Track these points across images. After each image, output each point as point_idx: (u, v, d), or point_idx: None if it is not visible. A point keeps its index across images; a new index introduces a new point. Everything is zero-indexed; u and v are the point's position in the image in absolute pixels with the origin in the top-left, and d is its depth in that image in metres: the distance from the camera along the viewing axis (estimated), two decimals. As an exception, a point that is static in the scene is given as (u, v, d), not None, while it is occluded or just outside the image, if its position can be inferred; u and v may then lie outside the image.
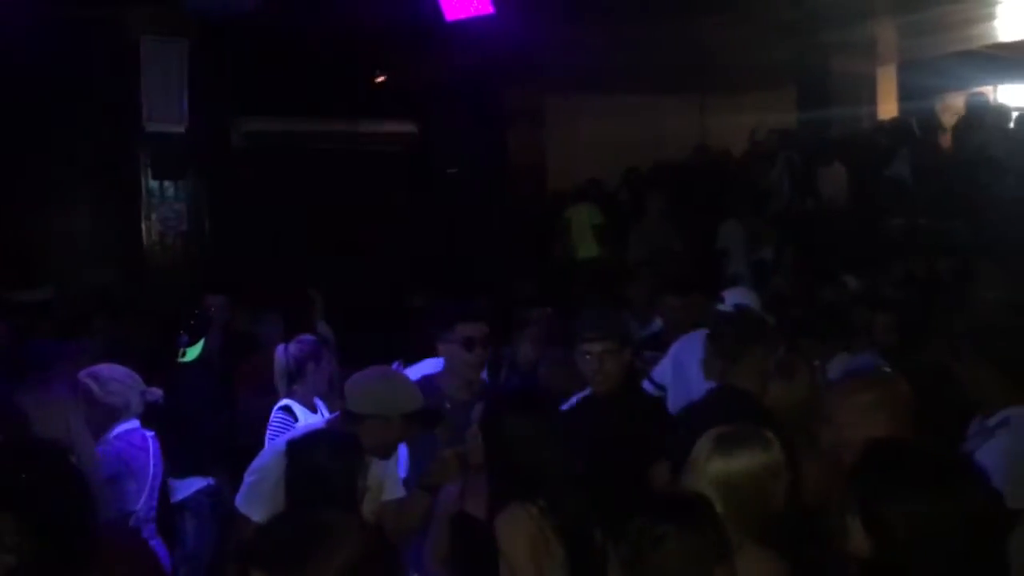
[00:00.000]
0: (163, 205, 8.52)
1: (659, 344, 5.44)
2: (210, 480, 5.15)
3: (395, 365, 5.75)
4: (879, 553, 2.05)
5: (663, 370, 4.86)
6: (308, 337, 4.97)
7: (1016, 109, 9.77)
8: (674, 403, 4.47)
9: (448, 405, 3.76)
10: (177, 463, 4.67)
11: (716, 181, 9.86)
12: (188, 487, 5.10)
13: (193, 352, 5.09)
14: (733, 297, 5.00)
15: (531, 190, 11.35)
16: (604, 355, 3.67)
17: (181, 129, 8.40)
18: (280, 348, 4.81)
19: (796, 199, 9.27)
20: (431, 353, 4.19)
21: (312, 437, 3.13)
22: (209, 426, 5.25)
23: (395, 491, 3.41)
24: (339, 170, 10.80)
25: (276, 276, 8.54)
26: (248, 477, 3.30)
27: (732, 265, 8.16)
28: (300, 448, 3.05)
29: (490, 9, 7.22)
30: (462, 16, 7.34)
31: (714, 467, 2.49)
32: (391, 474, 3.43)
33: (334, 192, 10.78)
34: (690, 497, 2.40)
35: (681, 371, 4.72)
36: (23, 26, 8.05)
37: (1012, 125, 9.09)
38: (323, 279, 8.26)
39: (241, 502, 3.26)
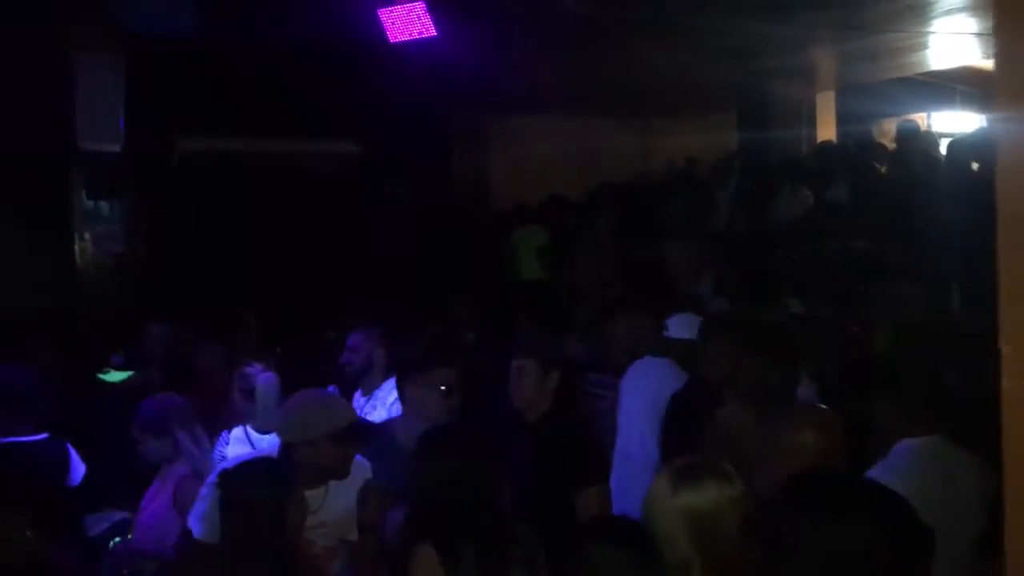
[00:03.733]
0: (98, 225, 8.31)
1: (604, 366, 5.43)
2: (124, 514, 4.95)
3: (330, 389, 5.70)
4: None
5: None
6: (259, 368, 4.86)
7: (946, 135, 10.02)
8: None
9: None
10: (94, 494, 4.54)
11: (658, 203, 9.93)
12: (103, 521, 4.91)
13: (117, 376, 4.96)
14: (677, 325, 5.00)
15: (475, 211, 11.33)
16: (521, 372, 3.72)
17: (117, 148, 8.21)
18: (264, 377, 4.72)
19: (738, 221, 9.38)
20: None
21: (240, 467, 3.06)
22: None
23: (353, 534, 3.35)
24: (279, 191, 10.65)
25: (214, 298, 8.37)
26: (200, 492, 3.38)
27: (676, 287, 8.19)
28: (228, 478, 2.98)
29: (433, 32, 7.19)
30: (405, 38, 7.29)
31: (683, 499, 2.45)
32: (351, 515, 3.35)
33: (274, 213, 10.62)
34: (623, 518, 2.37)
35: (624, 401, 4.73)
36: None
37: (942, 151, 9.31)
38: (260, 302, 8.13)
39: (191, 516, 3.36)
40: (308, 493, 2.99)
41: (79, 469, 4.34)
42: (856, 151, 9.68)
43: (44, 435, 4.04)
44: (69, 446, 4.13)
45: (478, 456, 2.87)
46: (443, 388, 3.73)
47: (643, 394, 4.46)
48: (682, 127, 11.72)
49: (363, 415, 4.53)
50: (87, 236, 8.35)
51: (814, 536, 1.90)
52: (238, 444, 4.52)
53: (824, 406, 3.17)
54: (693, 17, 8.58)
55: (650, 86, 10.61)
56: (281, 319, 8.03)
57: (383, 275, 10.41)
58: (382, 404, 4.65)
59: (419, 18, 7.22)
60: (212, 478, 3.27)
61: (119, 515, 4.88)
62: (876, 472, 2.90)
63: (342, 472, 3.29)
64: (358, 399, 4.91)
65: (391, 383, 4.42)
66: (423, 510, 2.73)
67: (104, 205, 8.47)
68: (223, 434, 4.64)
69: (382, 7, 7.59)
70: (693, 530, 2.39)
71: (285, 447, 3.16)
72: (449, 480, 2.71)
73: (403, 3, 7.45)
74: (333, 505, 3.22)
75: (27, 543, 2.84)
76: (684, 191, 10.19)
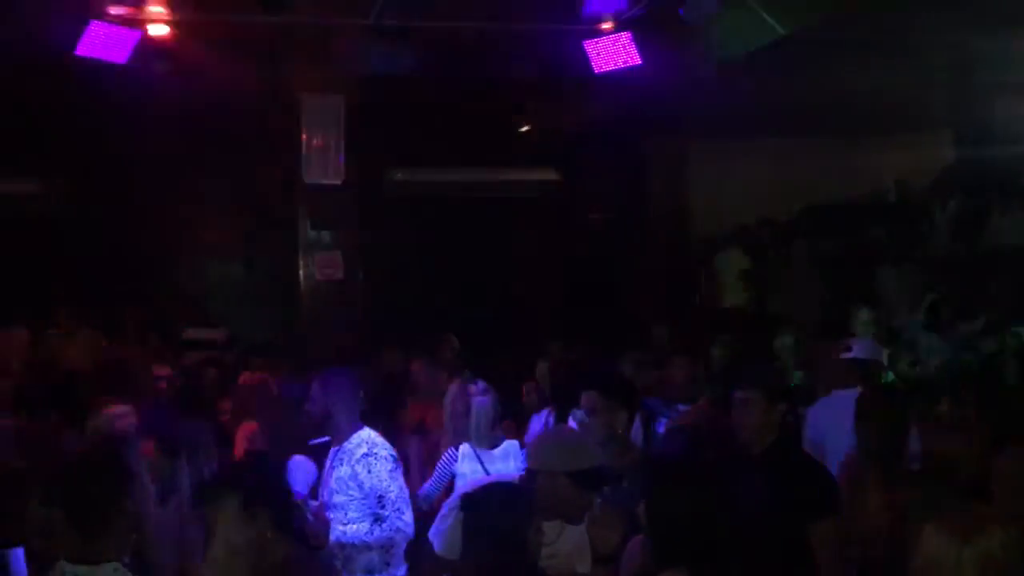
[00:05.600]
0: (320, 254, 8.88)
1: (802, 398, 5.35)
2: None
3: (544, 414, 5.86)
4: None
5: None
6: (479, 387, 5.09)
7: None
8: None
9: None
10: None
11: (869, 225, 9.57)
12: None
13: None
14: (860, 348, 4.87)
15: (674, 236, 11.29)
16: (746, 404, 3.70)
17: (338, 181, 8.77)
18: (480, 399, 4.94)
19: (959, 245, 8.89)
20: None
21: (484, 490, 3.20)
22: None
23: (584, 567, 3.40)
24: (483, 217, 11.06)
25: (423, 322, 8.78)
26: (441, 511, 3.49)
27: (890, 316, 7.87)
28: (473, 501, 3.13)
29: (638, 61, 7.28)
30: (611, 68, 7.42)
31: (977, 548, 2.41)
32: (583, 549, 3.41)
33: (478, 239, 11.03)
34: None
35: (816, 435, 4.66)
36: (193, 86, 8.64)
37: None
38: (466, 326, 8.46)
39: (432, 533, 3.46)
40: (544, 524, 3.09)
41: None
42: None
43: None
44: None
45: (717, 485, 2.90)
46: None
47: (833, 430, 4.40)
48: (893, 146, 11.24)
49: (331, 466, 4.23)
50: (311, 265, 8.94)
51: None
52: (468, 460, 4.77)
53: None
54: (906, 34, 8.29)
55: (858, 104, 10.26)
56: (480, 342, 8.33)
57: (582, 300, 10.57)
58: (348, 458, 4.18)
59: (624, 48, 7.33)
60: (455, 498, 3.45)
61: None
62: None
63: (576, 515, 3.34)
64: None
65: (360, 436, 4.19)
66: (668, 538, 2.78)
67: (325, 234, 9.05)
68: (450, 450, 4.91)
69: (587, 39, 7.74)
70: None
71: (529, 474, 3.30)
72: (692, 510, 2.76)
73: (608, 34, 7.58)
74: (568, 537, 3.30)
75: (273, 542, 2.94)
76: (897, 213, 9.79)
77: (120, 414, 4.32)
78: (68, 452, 4.48)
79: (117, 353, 8.23)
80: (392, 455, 4.22)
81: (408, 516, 4.14)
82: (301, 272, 8.96)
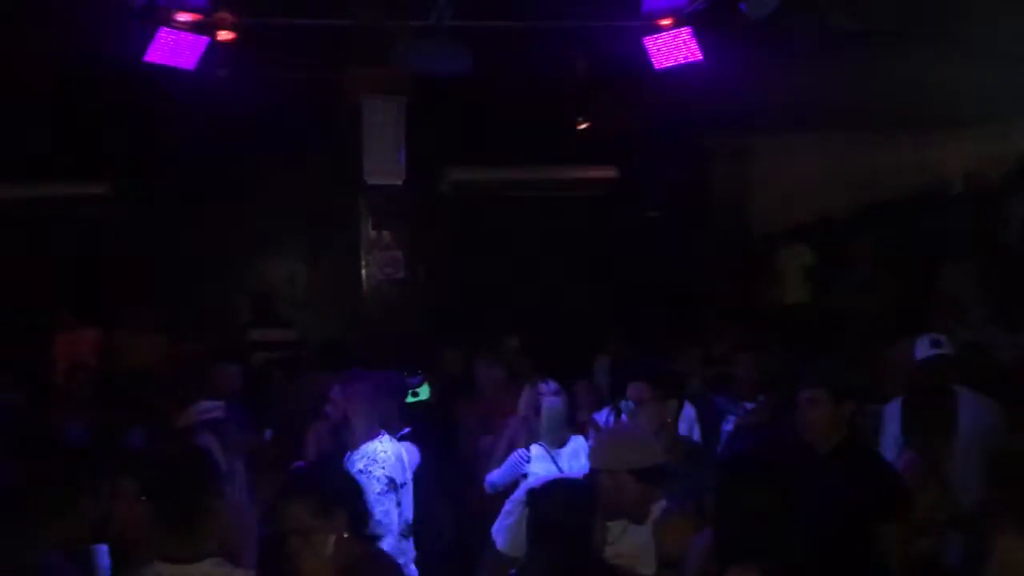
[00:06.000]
0: (382, 254, 8.95)
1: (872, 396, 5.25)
2: None
3: (604, 413, 5.85)
4: None
5: None
6: (550, 387, 5.10)
7: None
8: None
9: None
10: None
11: (939, 219, 9.35)
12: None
13: (424, 392, 5.38)
14: (921, 346, 4.79)
15: (736, 232, 11.16)
16: (813, 403, 3.65)
17: (398, 181, 8.84)
18: (553, 396, 4.96)
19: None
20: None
21: (548, 488, 3.21)
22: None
23: (648, 568, 3.38)
24: (541, 216, 11.06)
25: (482, 322, 8.81)
26: (504, 508, 3.53)
27: (962, 312, 7.67)
28: (537, 498, 3.15)
29: (699, 57, 7.20)
30: (671, 64, 7.36)
31: None
32: (647, 550, 3.39)
33: (536, 238, 11.04)
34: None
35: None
36: (255, 89, 8.79)
37: None
38: (524, 325, 8.47)
39: (495, 529, 3.50)
40: (608, 524, 3.09)
41: None
42: None
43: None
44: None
45: (787, 484, 2.87)
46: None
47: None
48: (962, 138, 10.97)
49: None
50: (372, 265, 9.02)
51: None
52: (541, 461, 4.79)
53: None
54: (975, 24, 8.09)
55: (925, 96, 10.04)
56: (539, 341, 8.33)
57: (641, 298, 10.51)
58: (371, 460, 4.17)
59: (685, 44, 7.26)
60: (519, 495, 3.46)
61: None
62: None
63: (640, 513, 3.33)
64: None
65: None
66: (738, 536, 2.76)
67: (386, 234, 9.12)
68: (521, 451, 4.93)
69: (646, 35, 7.69)
70: None
71: (592, 472, 3.30)
72: (762, 508, 2.73)
73: (668, 30, 7.52)
74: (632, 537, 3.29)
75: (350, 542, 2.96)
76: (965, 206, 9.55)
77: (209, 408, 4.41)
78: (151, 450, 4.57)
79: (185, 352, 8.43)
80: (388, 477, 4.12)
81: (389, 543, 4.00)
82: (363, 272, 9.04)
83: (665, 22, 7.52)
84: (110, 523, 3.43)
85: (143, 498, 3.17)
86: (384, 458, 4.18)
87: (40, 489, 3.19)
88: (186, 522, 2.89)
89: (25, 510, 3.13)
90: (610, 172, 11.44)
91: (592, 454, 3.38)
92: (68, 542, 3.16)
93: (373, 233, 9.10)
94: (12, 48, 7.97)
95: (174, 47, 6.76)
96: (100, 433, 5.63)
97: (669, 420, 4.00)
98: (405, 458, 4.33)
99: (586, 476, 3.38)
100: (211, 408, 4.37)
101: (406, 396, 5.45)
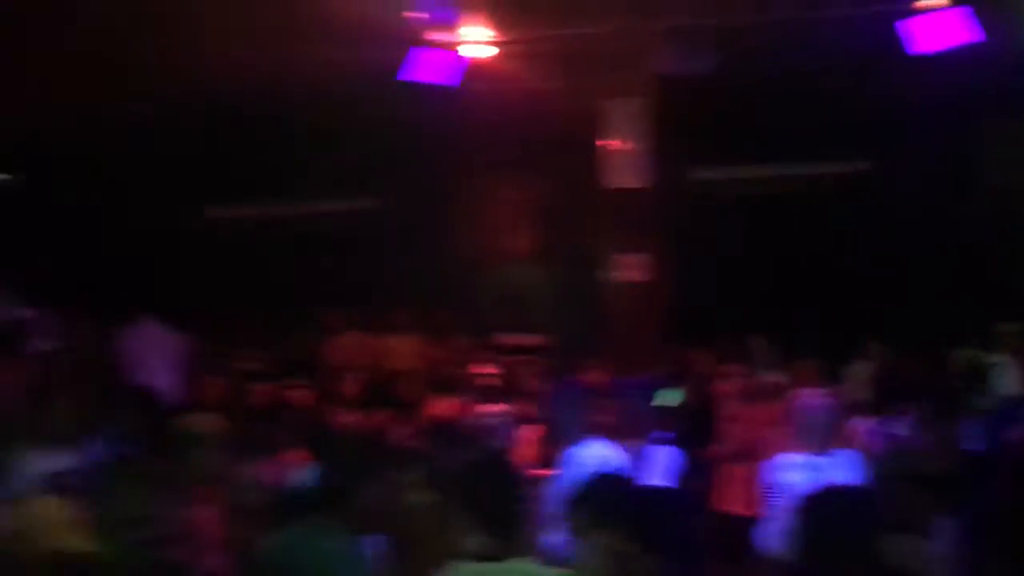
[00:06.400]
0: (625, 256, 8.97)
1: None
2: None
3: (869, 422, 5.55)
4: None
5: None
6: (817, 392, 4.94)
7: None
8: None
9: None
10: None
11: None
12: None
13: (674, 396, 5.36)
14: None
15: (1012, 223, 10.24)
16: None
17: (642, 184, 8.84)
18: (813, 403, 4.84)
19: None
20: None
21: (824, 495, 3.09)
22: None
23: None
24: (791, 214, 10.67)
25: (730, 323, 8.61)
26: (770, 514, 3.42)
27: None
28: (816, 504, 3.04)
29: (972, 38, 6.67)
30: (934, 48, 6.89)
31: None
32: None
33: (785, 237, 10.66)
34: None
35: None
36: (503, 99, 9.07)
37: None
38: (775, 326, 8.19)
39: (761, 535, 3.50)
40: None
41: None
42: None
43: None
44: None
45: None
46: None
47: None
48: None
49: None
50: (616, 267, 9.05)
51: None
52: (802, 469, 4.59)
53: None
54: None
55: None
56: (791, 343, 8.03)
57: (899, 297, 9.92)
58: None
59: (952, 25, 6.77)
60: (789, 502, 3.36)
61: None
62: None
63: (921, 523, 3.15)
64: None
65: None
66: None
67: (631, 237, 9.11)
68: (783, 457, 4.76)
69: (900, 19, 7.26)
70: None
71: (871, 481, 3.17)
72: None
73: (927, 12, 7.07)
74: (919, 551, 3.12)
75: (629, 556, 2.95)
76: None
77: (498, 412, 4.61)
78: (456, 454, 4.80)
79: (443, 354, 8.85)
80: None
81: None
82: (607, 275, 9.09)
83: (923, 4, 7.07)
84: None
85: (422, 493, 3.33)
86: (591, 463, 4.26)
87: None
88: (499, 523, 2.94)
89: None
90: (863, 165, 10.89)
91: (870, 462, 3.23)
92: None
93: (617, 236, 9.14)
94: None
95: (432, 66, 7.17)
96: (369, 431, 5.97)
97: (944, 436, 3.77)
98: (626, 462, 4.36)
99: (865, 485, 3.23)
100: (500, 412, 4.57)
101: (656, 400, 5.45)
